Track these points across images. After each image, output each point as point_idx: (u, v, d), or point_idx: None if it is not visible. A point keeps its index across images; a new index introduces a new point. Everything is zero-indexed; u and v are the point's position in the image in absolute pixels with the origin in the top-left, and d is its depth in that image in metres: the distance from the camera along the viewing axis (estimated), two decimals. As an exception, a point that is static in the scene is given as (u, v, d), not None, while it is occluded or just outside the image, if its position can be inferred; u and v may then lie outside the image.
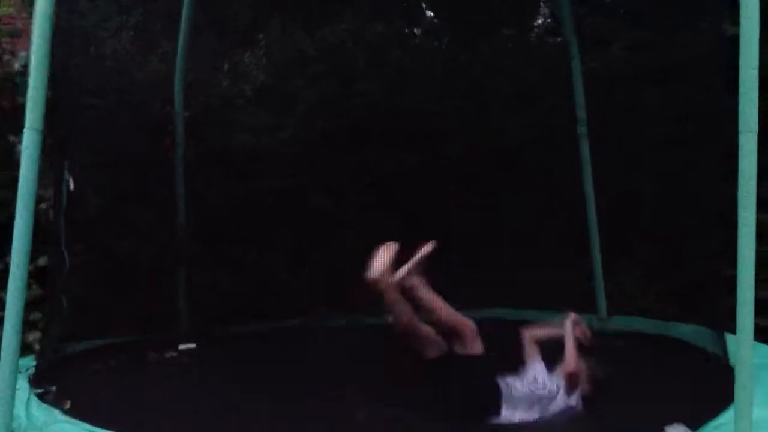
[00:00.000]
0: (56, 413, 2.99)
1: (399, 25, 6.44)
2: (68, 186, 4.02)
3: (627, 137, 5.35)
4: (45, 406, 3.07)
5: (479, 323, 3.53)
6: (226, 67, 5.61)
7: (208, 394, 3.67)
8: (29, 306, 4.81)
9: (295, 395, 3.61)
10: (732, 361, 3.36)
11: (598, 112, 5.23)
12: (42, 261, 4.40)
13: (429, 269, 5.17)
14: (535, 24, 6.65)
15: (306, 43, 5.72)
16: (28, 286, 4.90)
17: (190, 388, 3.85)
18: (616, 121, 5.36)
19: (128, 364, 4.24)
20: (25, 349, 4.49)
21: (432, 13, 6.68)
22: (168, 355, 4.47)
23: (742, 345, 2.74)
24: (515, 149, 5.51)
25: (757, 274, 2.72)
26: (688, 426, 2.99)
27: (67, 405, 3.06)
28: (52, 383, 3.44)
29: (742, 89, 2.62)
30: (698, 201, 4.77)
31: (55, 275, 4.05)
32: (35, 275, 4.82)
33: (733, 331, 3.85)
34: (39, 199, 4.88)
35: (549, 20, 6.53)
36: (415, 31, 6.70)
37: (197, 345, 4.68)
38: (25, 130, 2.92)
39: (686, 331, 4.52)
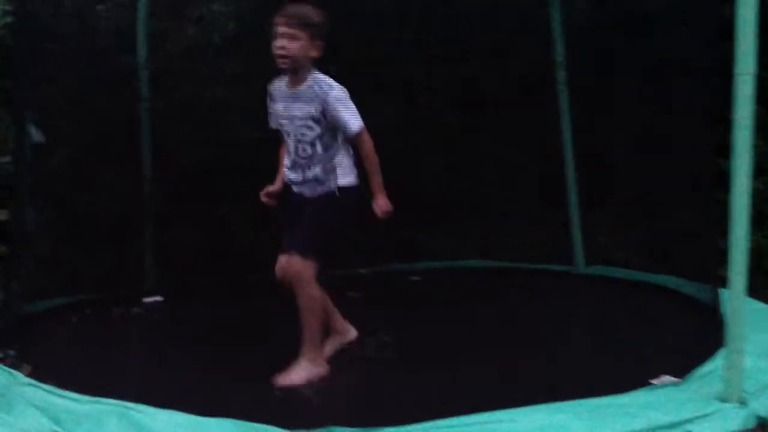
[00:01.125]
0: (18, 375, 2.84)
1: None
2: (33, 138, 3.83)
3: (605, 87, 5.27)
4: (6, 369, 2.93)
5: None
6: (195, 14, 5.35)
7: (173, 351, 3.58)
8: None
9: (262, 349, 3.56)
10: (721, 308, 3.35)
11: (575, 63, 5.11)
12: (3, 215, 4.21)
13: (407, 223, 5.11)
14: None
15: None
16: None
17: (155, 344, 3.75)
18: (593, 72, 5.26)
19: (92, 322, 4.13)
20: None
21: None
22: (133, 310, 4.34)
23: (733, 294, 2.67)
24: (491, 100, 5.39)
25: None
26: (674, 375, 2.95)
27: (27, 369, 2.92)
28: (14, 344, 3.30)
29: (739, 30, 2.50)
30: (678, 151, 4.73)
31: (17, 232, 3.87)
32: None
33: (713, 281, 3.89)
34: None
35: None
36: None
37: (163, 298, 4.59)
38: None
39: (669, 279, 4.47)
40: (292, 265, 3.25)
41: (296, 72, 3.29)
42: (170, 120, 5.04)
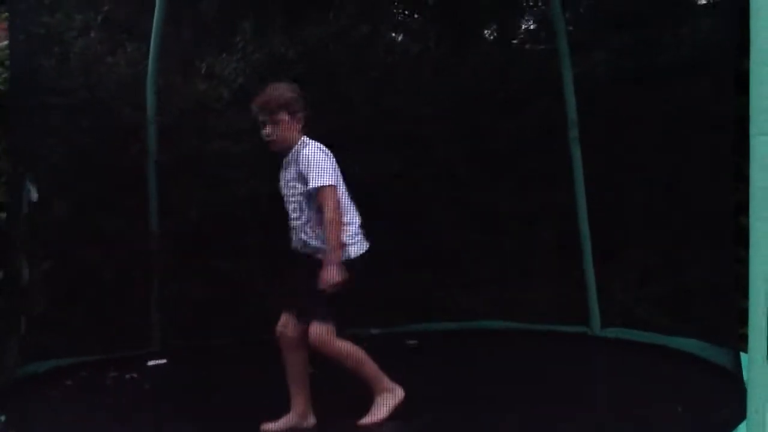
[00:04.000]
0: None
1: (383, 27, 6.24)
2: (29, 194, 3.77)
3: (617, 142, 5.17)
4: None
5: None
6: (202, 69, 5.32)
7: (173, 421, 3.42)
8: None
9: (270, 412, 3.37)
10: (738, 374, 3.19)
11: (587, 117, 5.03)
12: (-1, 273, 4.12)
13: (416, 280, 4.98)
14: (519, 31, 6.51)
15: (285, 45, 5.48)
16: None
17: (154, 414, 3.59)
18: (605, 126, 5.17)
19: (89, 386, 3.98)
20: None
21: (417, 16, 6.52)
22: (134, 374, 4.21)
23: (753, 364, 2.51)
24: (503, 154, 5.30)
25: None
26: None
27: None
28: (6, 408, 3.18)
29: (753, 89, 2.38)
30: (691, 205, 4.60)
31: (12, 289, 3.78)
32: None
33: (729, 341, 3.73)
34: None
35: (533, 26, 6.38)
36: (398, 35, 6.53)
37: (168, 361, 4.45)
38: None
39: (687, 343, 4.30)
40: (313, 336, 3.22)
41: (290, 147, 3.35)
42: (177, 174, 4.99)
